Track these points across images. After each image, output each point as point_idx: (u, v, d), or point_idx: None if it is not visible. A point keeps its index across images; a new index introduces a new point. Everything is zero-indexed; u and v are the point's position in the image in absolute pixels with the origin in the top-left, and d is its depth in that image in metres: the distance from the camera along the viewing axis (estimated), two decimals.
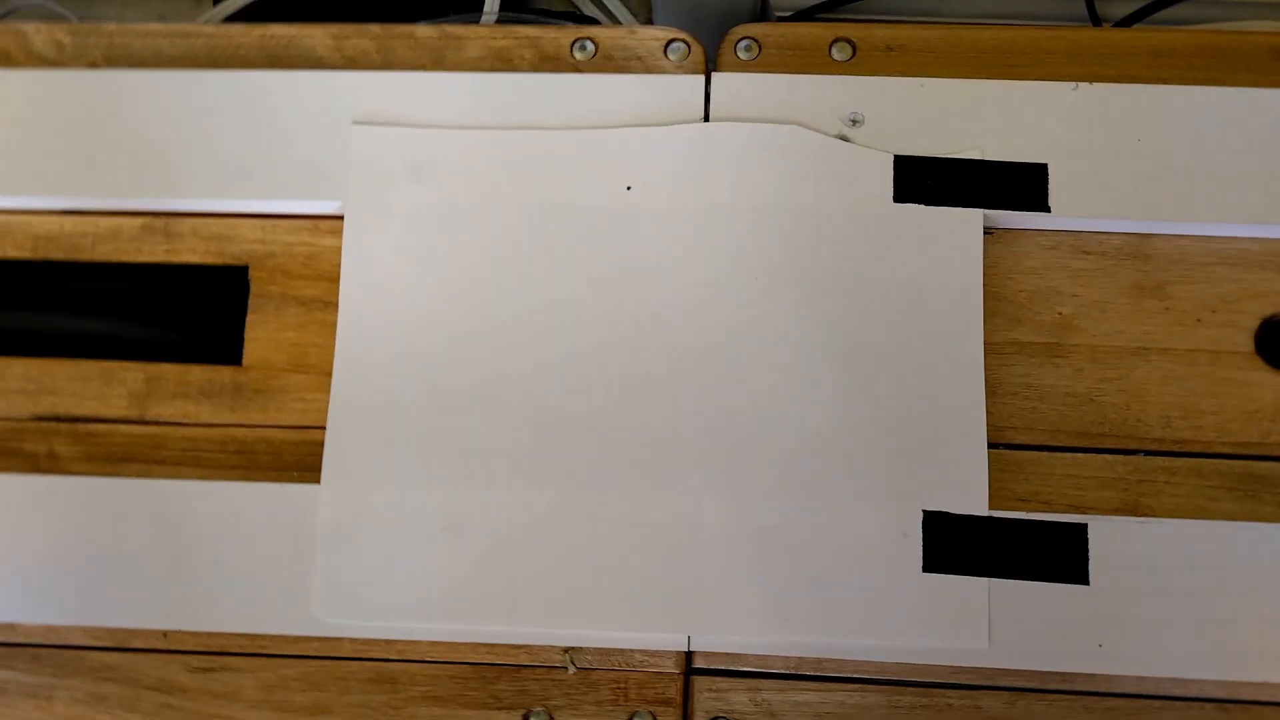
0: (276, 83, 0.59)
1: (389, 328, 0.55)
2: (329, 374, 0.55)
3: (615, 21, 0.80)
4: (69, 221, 0.59)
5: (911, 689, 0.51)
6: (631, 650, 0.52)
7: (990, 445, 0.53)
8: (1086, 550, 0.51)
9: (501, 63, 0.59)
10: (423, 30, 0.60)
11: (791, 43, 0.58)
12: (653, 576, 0.52)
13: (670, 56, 0.58)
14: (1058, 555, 0.51)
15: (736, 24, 0.59)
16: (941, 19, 0.73)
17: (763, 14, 0.75)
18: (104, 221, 0.58)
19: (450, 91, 0.58)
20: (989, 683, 0.51)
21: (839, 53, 0.58)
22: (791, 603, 0.51)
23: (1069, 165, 0.55)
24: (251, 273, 0.57)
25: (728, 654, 0.52)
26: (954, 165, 0.55)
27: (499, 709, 0.52)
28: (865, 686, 0.51)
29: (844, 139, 0.56)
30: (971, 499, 0.52)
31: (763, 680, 0.52)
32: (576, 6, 0.82)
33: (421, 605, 0.52)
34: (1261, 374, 0.54)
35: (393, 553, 0.53)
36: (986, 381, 0.53)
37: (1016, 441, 0.53)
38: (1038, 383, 0.54)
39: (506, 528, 0.53)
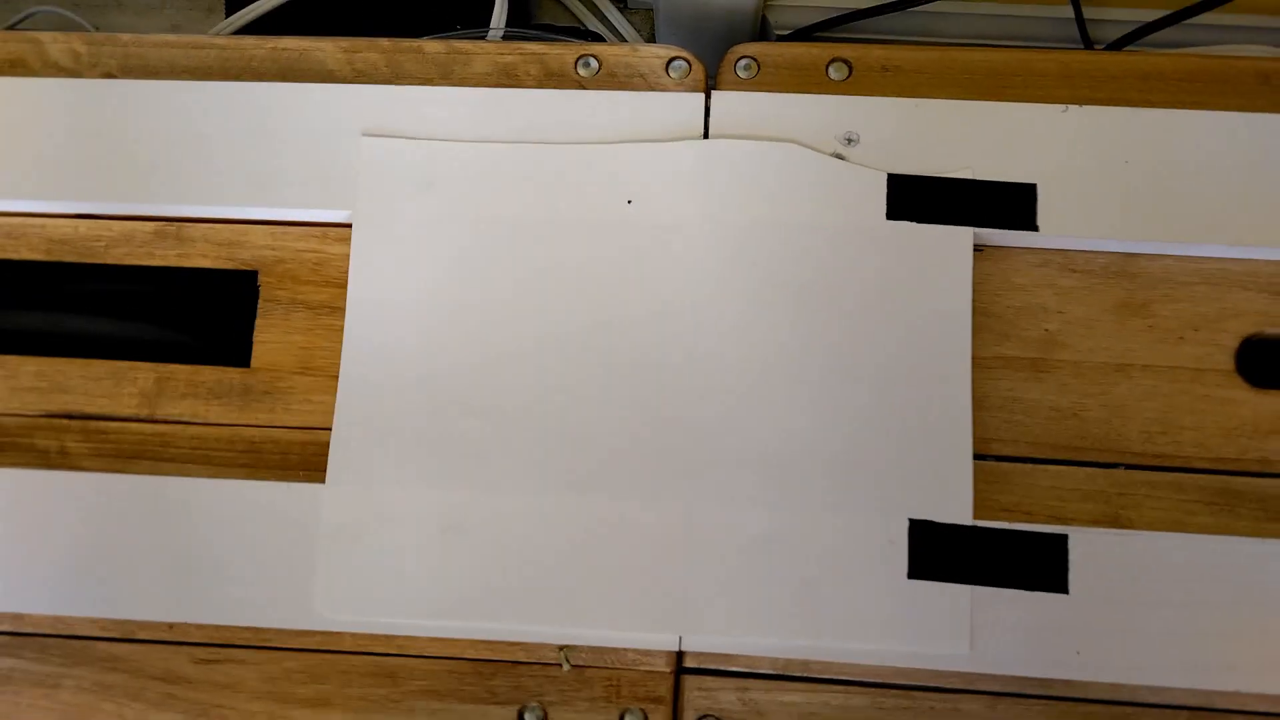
0: (287, 94, 0.60)
1: (394, 333, 0.56)
2: (335, 377, 0.56)
3: (620, 39, 0.81)
4: (83, 225, 0.60)
5: (895, 691, 0.52)
6: (624, 649, 0.53)
7: (976, 456, 0.54)
8: (1067, 560, 0.52)
9: (507, 78, 0.60)
10: (431, 45, 0.61)
11: (789, 62, 0.59)
12: (646, 578, 0.53)
13: (672, 74, 0.59)
14: (1039, 564, 0.52)
15: (737, 43, 0.60)
16: (936, 40, 0.74)
17: (763, 33, 0.76)
18: (118, 226, 0.59)
19: (457, 106, 0.59)
20: (970, 687, 0.52)
21: (836, 72, 0.59)
22: (780, 606, 0.52)
23: (1057, 185, 0.56)
24: (261, 278, 0.58)
25: (717, 654, 0.53)
26: (946, 184, 0.56)
27: (495, 704, 0.53)
28: (850, 688, 0.52)
29: (839, 157, 0.57)
30: (956, 508, 0.53)
31: (751, 680, 0.53)
32: (581, 23, 0.83)
33: (421, 603, 0.53)
34: (1241, 392, 0.55)
35: (394, 551, 0.54)
36: (974, 394, 0.54)
37: (1001, 453, 0.54)
38: (1023, 396, 0.55)
39: (505, 529, 0.54)
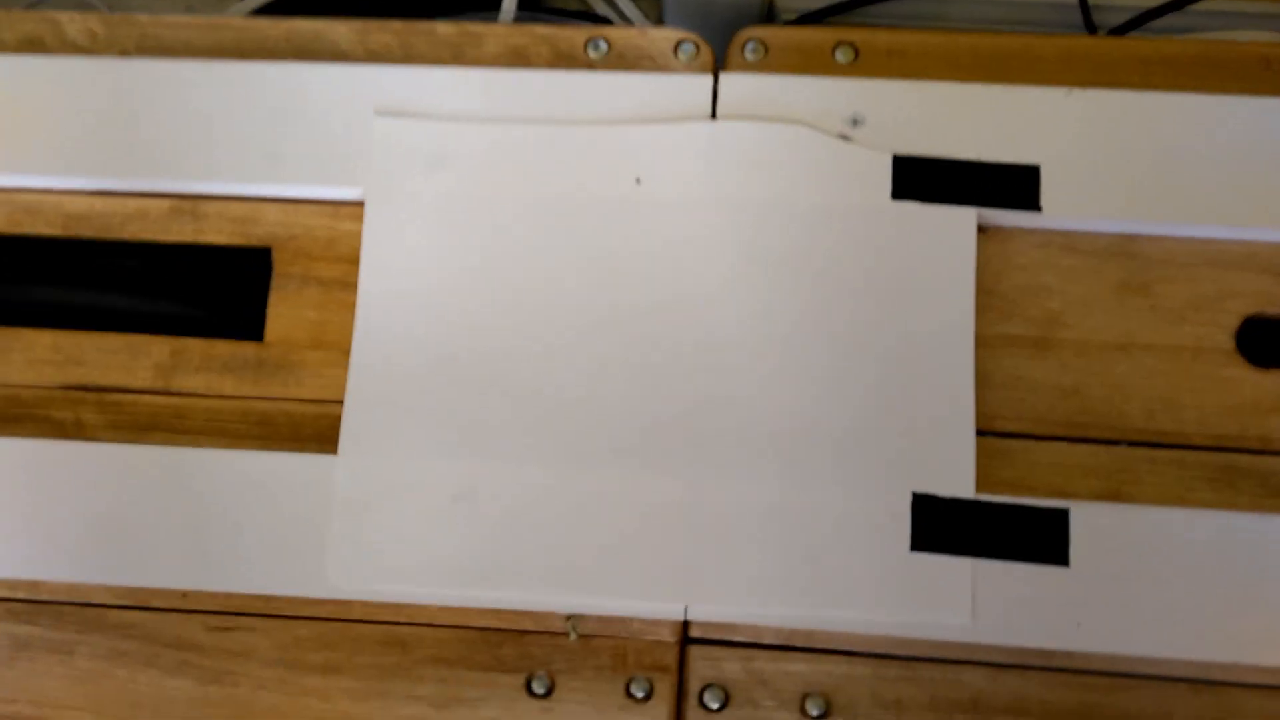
0: (302, 74, 0.60)
1: (405, 309, 0.57)
2: (347, 351, 0.57)
3: (628, 22, 0.82)
4: (99, 202, 0.60)
5: (897, 662, 0.53)
6: (631, 619, 0.54)
7: (980, 433, 0.54)
8: (1068, 534, 0.53)
9: (518, 59, 0.61)
10: (443, 27, 0.62)
11: (796, 45, 0.60)
12: (653, 550, 0.54)
13: (680, 56, 0.60)
14: (1040, 538, 0.53)
15: (744, 26, 0.61)
16: (942, 24, 0.75)
17: (770, 16, 0.77)
18: (133, 202, 0.60)
19: (468, 86, 0.60)
20: (971, 657, 0.53)
21: (842, 55, 0.60)
22: (785, 577, 0.53)
23: (1060, 167, 0.57)
24: (274, 254, 0.59)
25: (723, 624, 0.54)
26: (950, 165, 0.57)
27: (503, 671, 0.53)
28: (853, 658, 0.53)
29: (845, 139, 0.58)
30: (959, 483, 0.54)
31: (755, 650, 0.53)
32: (590, 6, 0.84)
33: (431, 571, 0.54)
34: (1241, 370, 0.55)
35: (405, 521, 0.54)
36: (977, 372, 0.55)
37: (1005, 430, 0.55)
38: (1026, 375, 0.56)
39: (515, 500, 0.54)
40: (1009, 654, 0.53)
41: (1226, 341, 0.56)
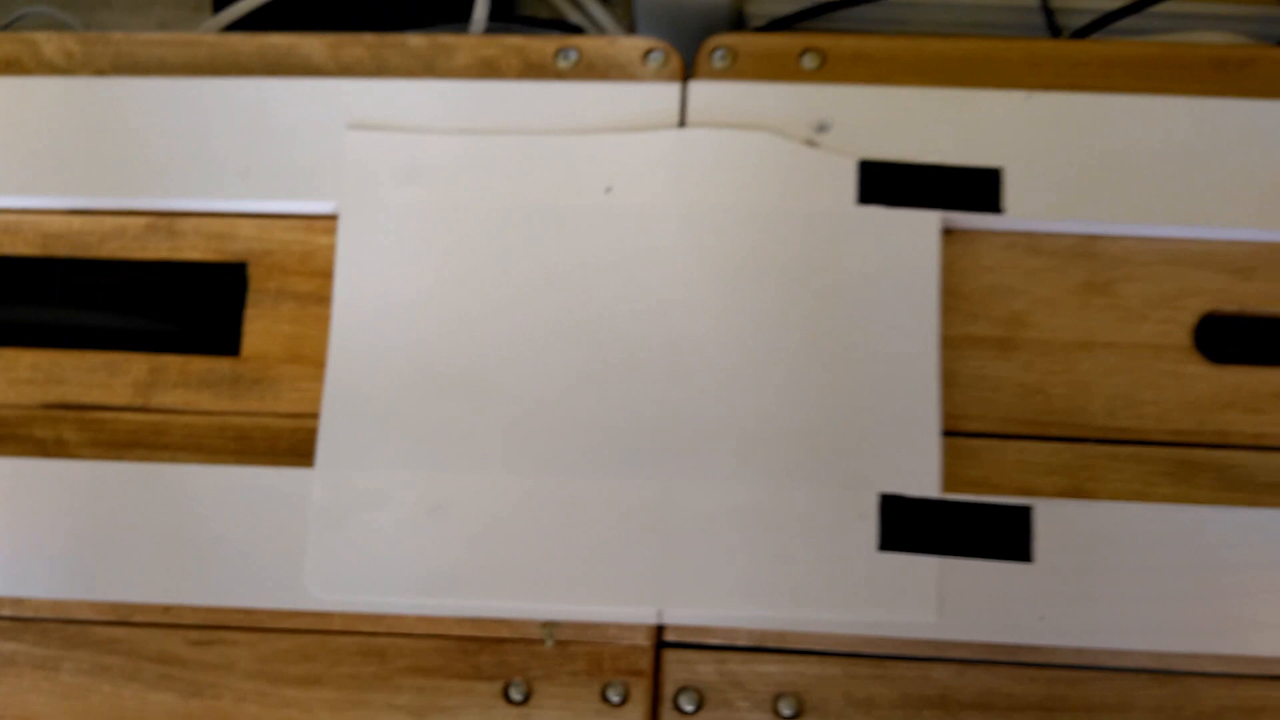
0: (274, 89, 0.61)
1: (380, 322, 0.58)
2: (323, 365, 0.58)
3: (601, 30, 0.83)
4: (76, 220, 0.61)
5: (867, 661, 0.54)
6: (606, 624, 0.55)
7: (945, 433, 0.55)
8: (1030, 530, 0.54)
9: (489, 70, 0.61)
10: (414, 39, 0.62)
11: (764, 52, 0.61)
12: (626, 555, 0.55)
13: (649, 65, 0.61)
14: (1004, 535, 0.54)
15: (715, 34, 0.61)
16: (908, 28, 0.76)
17: (740, 23, 0.77)
18: (110, 220, 0.61)
19: (440, 98, 0.61)
20: (939, 654, 0.53)
21: (809, 61, 0.60)
22: (756, 579, 0.54)
23: (1022, 170, 0.58)
24: (250, 269, 0.60)
25: (696, 628, 0.54)
26: (914, 169, 0.58)
27: (481, 679, 0.54)
28: (824, 658, 0.54)
29: (812, 144, 0.59)
30: (925, 483, 0.55)
31: (729, 653, 0.54)
32: (563, 15, 0.85)
33: (408, 582, 0.55)
34: (1199, 367, 0.56)
35: (381, 533, 0.55)
36: (943, 373, 0.56)
37: (970, 430, 0.56)
38: (991, 374, 0.57)
39: (489, 509, 0.55)
40: (976, 650, 0.54)
41: (1185, 339, 0.57)
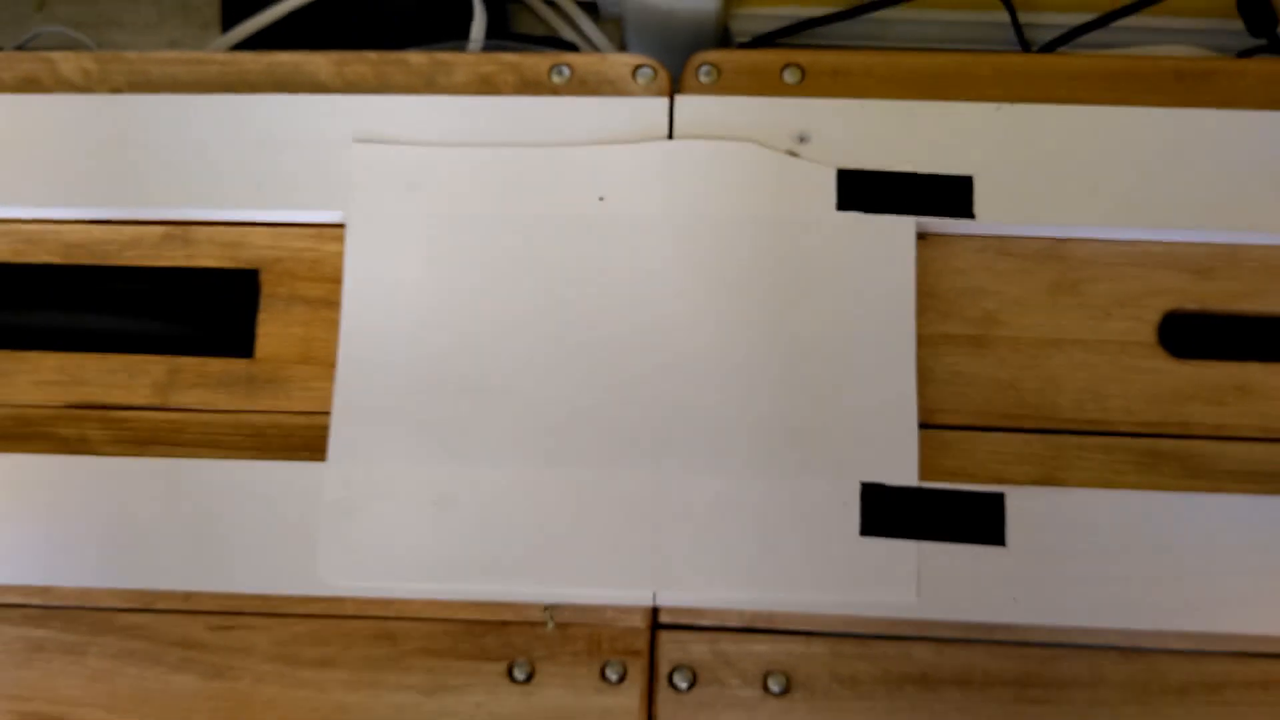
0: (283, 105, 0.63)
1: (387, 324, 0.59)
2: (333, 365, 0.59)
3: (592, 46, 0.85)
4: (96, 230, 0.63)
5: (851, 639, 0.56)
6: (604, 607, 0.56)
7: (922, 426, 0.57)
8: (1003, 516, 0.56)
9: (487, 86, 0.63)
10: (415, 57, 0.64)
11: (747, 68, 0.63)
12: (623, 543, 0.56)
13: (638, 80, 0.63)
14: (979, 521, 0.56)
15: (700, 50, 0.63)
16: (884, 44, 0.78)
17: (725, 39, 0.80)
18: (128, 230, 0.63)
19: (440, 113, 0.62)
20: (919, 633, 0.55)
21: (790, 76, 0.62)
22: (746, 564, 0.56)
23: (993, 177, 0.60)
24: (262, 275, 0.61)
25: (689, 610, 0.56)
26: (890, 178, 0.60)
27: (486, 660, 0.56)
28: (810, 638, 0.56)
29: (793, 154, 0.61)
30: (903, 472, 0.57)
31: (720, 633, 0.56)
32: (556, 32, 0.87)
33: (417, 569, 0.56)
34: (1163, 362, 0.59)
35: (391, 522, 0.57)
36: (919, 369, 0.58)
37: (946, 422, 0.58)
38: (965, 370, 0.59)
39: (493, 500, 0.57)
40: (953, 629, 0.56)
41: (1149, 335, 0.59)
